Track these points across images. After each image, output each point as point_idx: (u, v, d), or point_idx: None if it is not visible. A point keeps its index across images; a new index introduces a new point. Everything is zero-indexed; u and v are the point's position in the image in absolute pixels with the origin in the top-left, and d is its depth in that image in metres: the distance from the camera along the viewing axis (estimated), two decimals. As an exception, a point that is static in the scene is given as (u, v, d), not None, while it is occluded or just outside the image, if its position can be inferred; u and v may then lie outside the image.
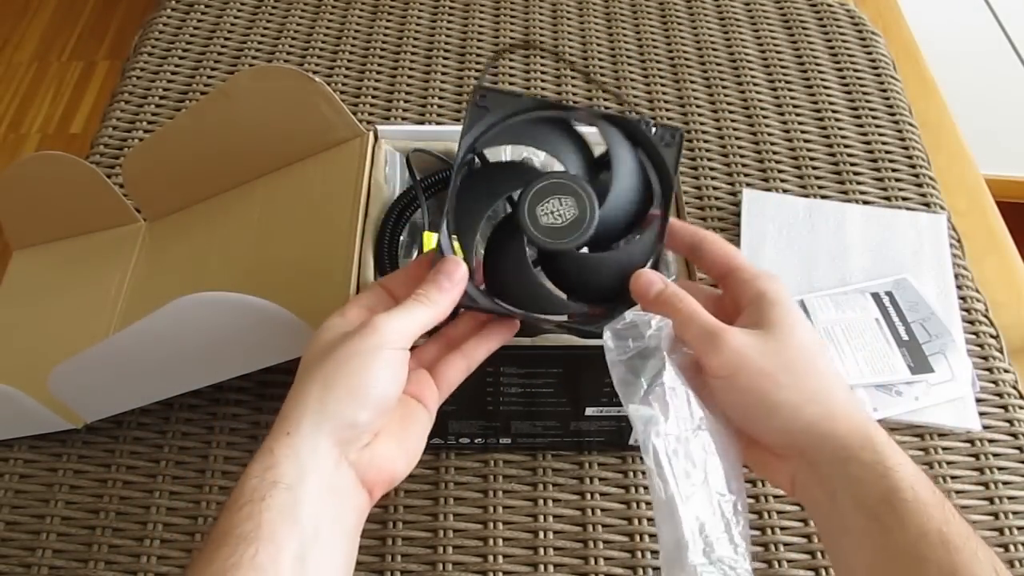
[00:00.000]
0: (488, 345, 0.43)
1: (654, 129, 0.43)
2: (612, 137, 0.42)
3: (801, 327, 0.39)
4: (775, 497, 0.57)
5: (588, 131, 0.44)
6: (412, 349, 0.43)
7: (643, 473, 0.58)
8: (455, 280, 0.40)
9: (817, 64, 0.84)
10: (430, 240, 0.55)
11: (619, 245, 0.42)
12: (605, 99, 0.80)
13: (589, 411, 0.53)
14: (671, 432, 0.37)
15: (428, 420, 0.42)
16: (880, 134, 0.78)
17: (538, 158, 0.55)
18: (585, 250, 0.42)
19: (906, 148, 0.77)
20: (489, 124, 0.43)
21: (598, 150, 0.44)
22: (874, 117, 0.79)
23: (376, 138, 0.60)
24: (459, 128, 0.61)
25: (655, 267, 0.42)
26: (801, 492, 0.38)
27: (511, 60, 0.83)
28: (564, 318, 0.42)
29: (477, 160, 0.44)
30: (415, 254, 0.57)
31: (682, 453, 0.37)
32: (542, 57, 0.84)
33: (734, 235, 0.70)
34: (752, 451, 0.40)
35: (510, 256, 0.41)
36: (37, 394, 0.55)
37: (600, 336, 0.39)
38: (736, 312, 0.40)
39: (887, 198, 0.73)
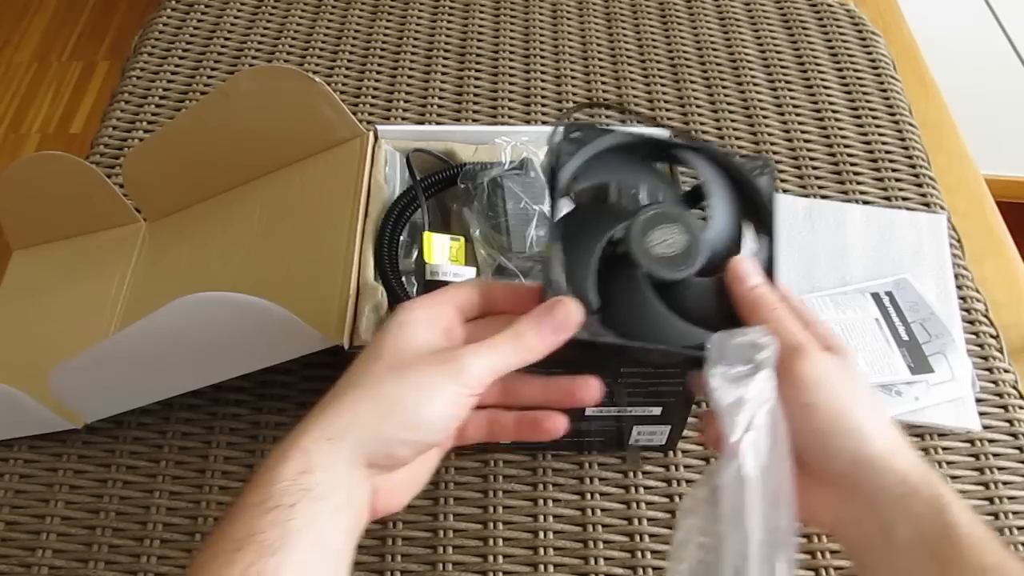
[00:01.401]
0: (529, 435, 0.40)
1: (742, 159, 0.43)
2: (704, 167, 0.42)
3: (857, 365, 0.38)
4: (775, 497, 0.57)
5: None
6: None
7: (644, 474, 0.58)
8: (563, 327, 0.36)
9: (817, 64, 0.84)
10: (430, 240, 0.55)
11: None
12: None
13: (589, 411, 0.53)
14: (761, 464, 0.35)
15: (437, 459, 0.40)
16: (880, 134, 0.78)
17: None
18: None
19: (906, 148, 0.77)
20: (584, 159, 0.42)
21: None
22: (874, 117, 0.79)
23: (376, 138, 0.60)
24: (459, 128, 0.61)
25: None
26: (848, 526, 0.37)
27: (511, 62, 0.83)
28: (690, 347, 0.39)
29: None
30: (415, 254, 0.57)
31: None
32: (542, 59, 0.84)
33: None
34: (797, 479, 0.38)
35: (629, 291, 0.39)
36: (37, 394, 0.55)
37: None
38: None
39: (887, 198, 0.73)
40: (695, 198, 0.43)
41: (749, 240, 0.42)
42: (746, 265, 0.39)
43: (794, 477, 0.36)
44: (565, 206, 0.41)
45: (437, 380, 0.35)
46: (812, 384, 0.36)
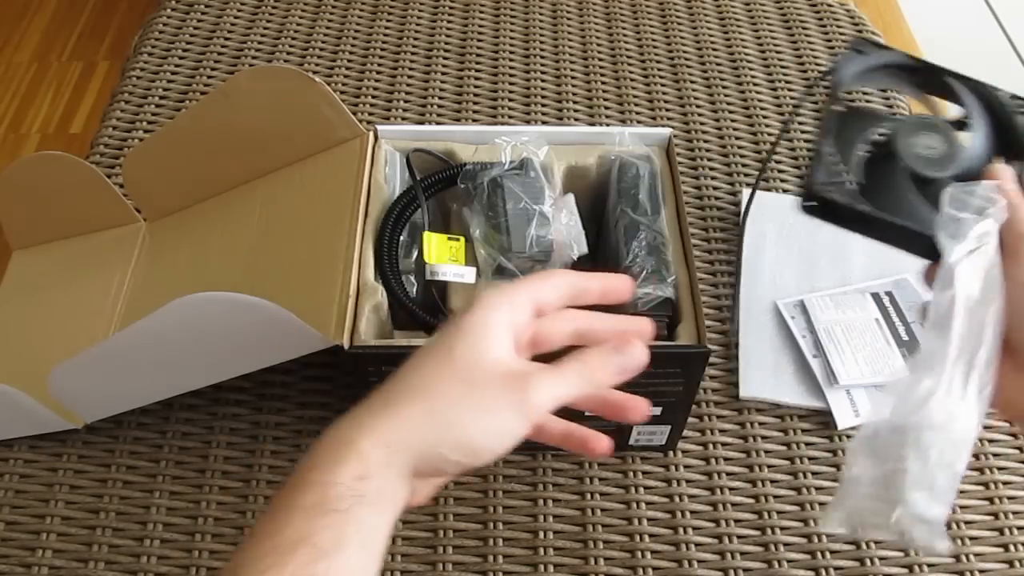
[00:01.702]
0: (573, 449, 0.41)
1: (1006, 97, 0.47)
2: (969, 96, 0.47)
3: None
4: (775, 497, 0.57)
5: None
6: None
7: (644, 474, 0.58)
8: (627, 369, 0.38)
9: (817, 64, 0.84)
10: (430, 240, 0.55)
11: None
12: (606, 103, 0.80)
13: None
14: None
15: None
16: (880, 134, 0.78)
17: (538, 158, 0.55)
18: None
19: (906, 148, 0.77)
20: (864, 67, 0.47)
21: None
22: (874, 117, 0.79)
23: (376, 138, 0.60)
24: (459, 128, 0.61)
25: None
26: None
27: (511, 62, 0.83)
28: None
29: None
30: (415, 254, 0.57)
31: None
32: (542, 59, 0.84)
33: (734, 235, 0.70)
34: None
35: (888, 179, 0.43)
36: (37, 394, 0.55)
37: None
38: None
39: (887, 198, 0.73)
40: (956, 127, 0.46)
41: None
42: (1004, 170, 0.41)
43: (1001, 329, 0.36)
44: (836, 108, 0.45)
45: (501, 411, 0.35)
46: None
